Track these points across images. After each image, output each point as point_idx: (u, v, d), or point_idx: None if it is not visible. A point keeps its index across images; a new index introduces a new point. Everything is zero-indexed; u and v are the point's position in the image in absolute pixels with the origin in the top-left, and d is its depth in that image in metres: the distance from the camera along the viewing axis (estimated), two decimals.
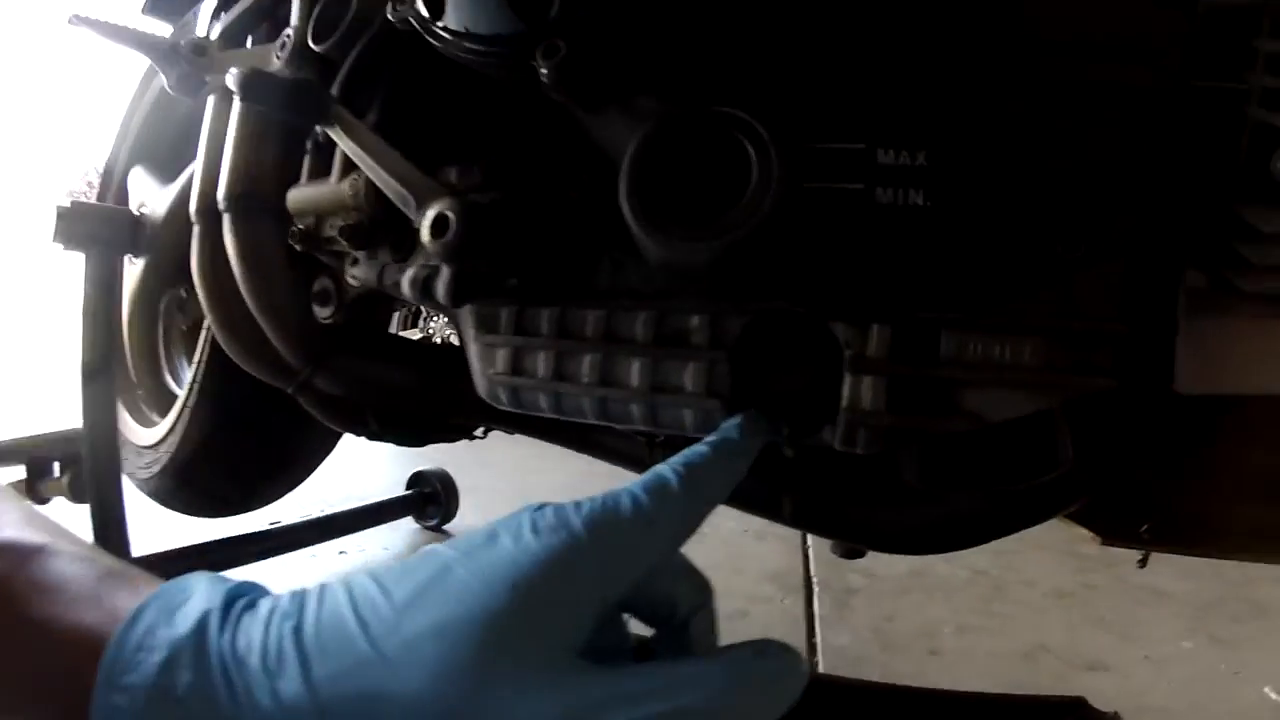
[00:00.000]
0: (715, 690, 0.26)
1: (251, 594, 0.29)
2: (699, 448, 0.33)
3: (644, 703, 0.25)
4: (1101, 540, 0.70)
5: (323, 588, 0.28)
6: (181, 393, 1.12)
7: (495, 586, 0.26)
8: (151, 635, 0.26)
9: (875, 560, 1.81)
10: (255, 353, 0.72)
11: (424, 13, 0.40)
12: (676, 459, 0.31)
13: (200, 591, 0.28)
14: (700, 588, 0.33)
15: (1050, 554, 1.91)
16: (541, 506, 0.29)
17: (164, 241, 1.17)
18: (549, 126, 0.40)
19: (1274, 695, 1.36)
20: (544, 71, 0.33)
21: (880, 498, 0.58)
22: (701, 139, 0.31)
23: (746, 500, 0.59)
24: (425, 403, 0.63)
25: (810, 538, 1.82)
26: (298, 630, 0.26)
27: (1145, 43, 0.34)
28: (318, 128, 0.56)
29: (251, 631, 0.26)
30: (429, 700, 0.24)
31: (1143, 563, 0.80)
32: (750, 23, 0.33)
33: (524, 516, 0.28)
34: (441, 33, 0.40)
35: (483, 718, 0.24)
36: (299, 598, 0.27)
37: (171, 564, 1.18)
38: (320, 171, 0.60)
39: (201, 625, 0.26)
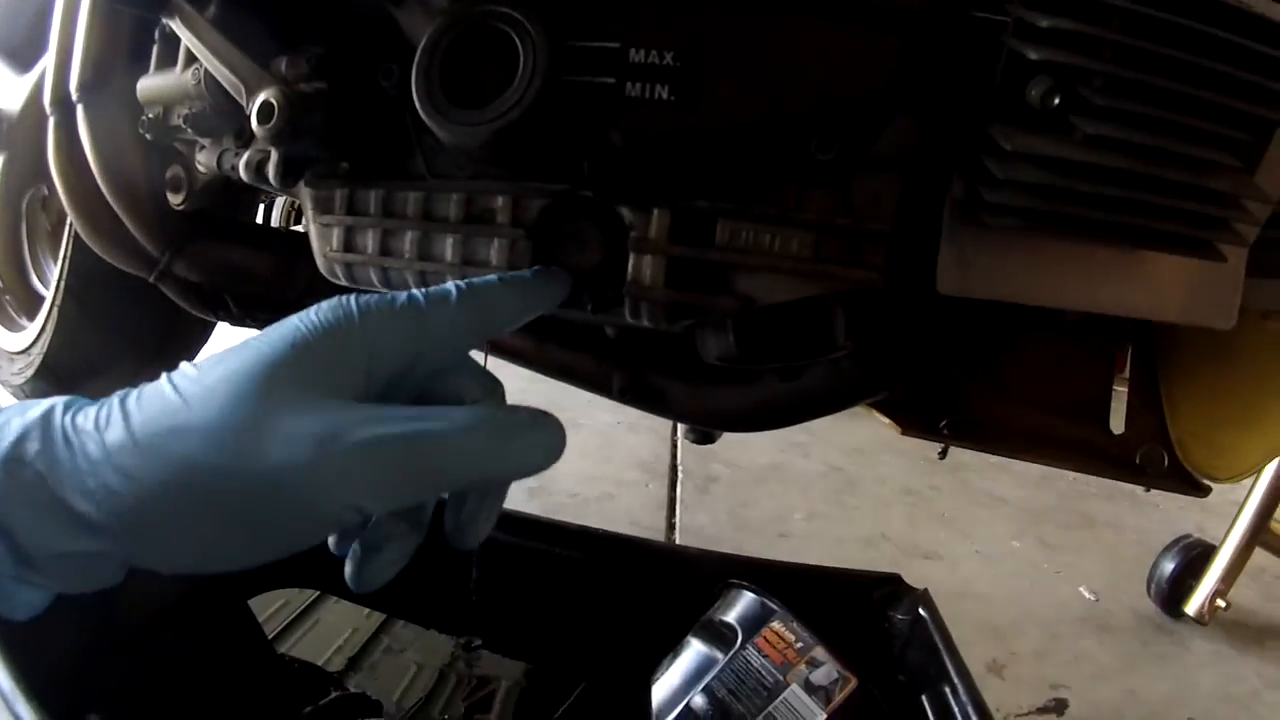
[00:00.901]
0: (458, 424, 0.33)
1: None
2: (489, 276, 0.39)
3: (393, 424, 0.32)
4: (901, 431, 0.80)
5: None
6: (49, 293, 1.11)
7: (278, 344, 0.32)
8: (7, 424, 0.31)
9: (738, 452, 1.94)
10: (115, 242, 0.73)
11: None
12: (466, 279, 0.38)
13: (50, 399, 0.33)
14: (487, 383, 0.39)
15: (904, 457, 2.06)
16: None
17: (21, 136, 1.14)
18: (368, 21, 0.44)
19: (1087, 594, 1.51)
20: None
21: (697, 378, 0.65)
22: (480, 34, 0.36)
23: (581, 376, 0.66)
24: (279, 286, 0.67)
25: (680, 430, 1.92)
26: (124, 401, 0.32)
27: None
28: (164, 19, 0.58)
29: (88, 410, 0.32)
30: (219, 426, 0.30)
31: (943, 454, 0.88)
32: None
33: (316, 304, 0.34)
34: None
35: (261, 434, 0.30)
36: (131, 388, 0.33)
37: None
38: (168, 62, 0.62)
39: (49, 411, 0.32)
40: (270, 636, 1.02)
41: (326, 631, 1.05)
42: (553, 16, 0.36)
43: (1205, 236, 0.41)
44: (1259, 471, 0.76)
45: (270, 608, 1.06)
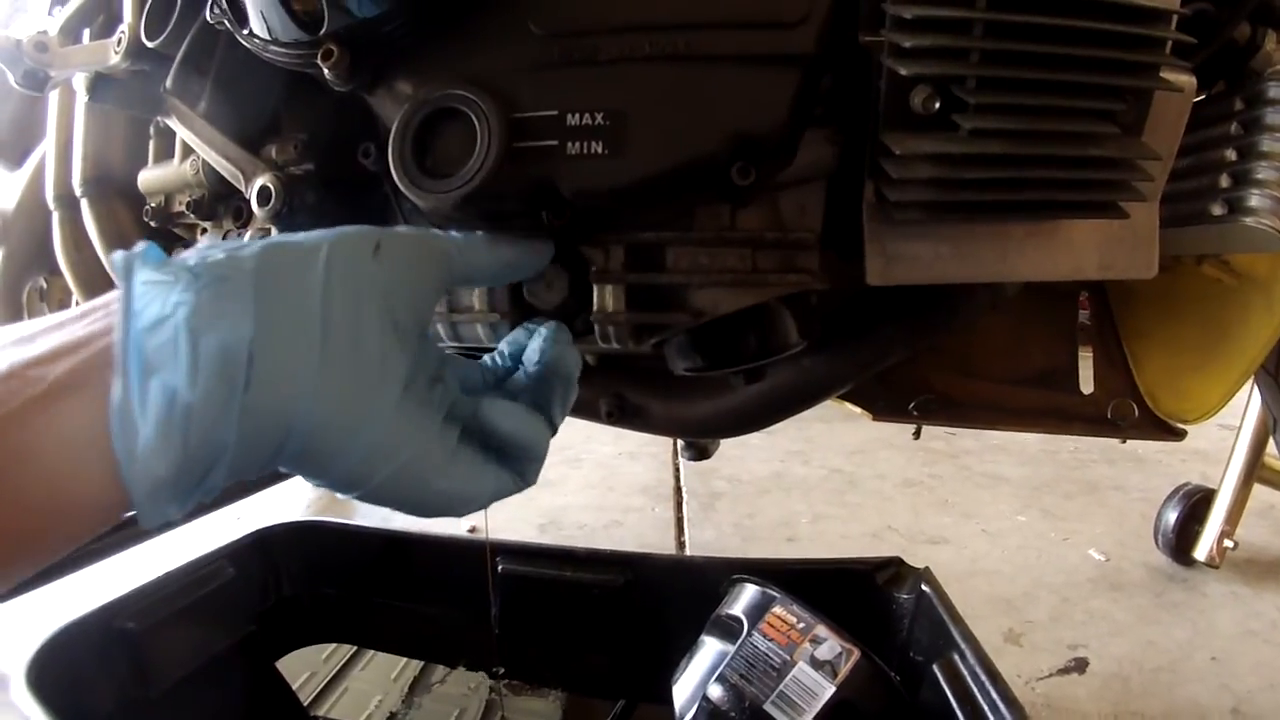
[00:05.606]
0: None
1: None
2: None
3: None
4: (873, 416, 0.84)
5: None
6: None
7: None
8: None
9: (739, 467, 1.98)
10: None
11: (233, 20, 0.48)
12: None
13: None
14: None
15: (902, 452, 2.10)
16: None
17: (18, 230, 1.18)
18: (345, 106, 0.49)
19: (1096, 555, 1.55)
20: (324, 69, 0.43)
21: (672, 393, 0.70)
22: (442, 114, 0.41)
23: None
24: None
25: (679, 452, 1.96)
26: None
27: (791, 13, 0.42)
28: (158, 117, 0.63)
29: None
30: None
31: (916, 434, 0.92)
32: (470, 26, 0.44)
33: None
34: (251, 37, 0.47)
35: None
36: None
37: (79, 559, 1.19)
38: (165, 154, 0.68)
39: None
40: (305, 703, 1.05)
41: (358, 695, 1.09)
42: (501, 94, 0.42)
43: (1105, 199, 0.45)
44: (1223, 407, 0.79)
45: (300, 675, 1.10)
